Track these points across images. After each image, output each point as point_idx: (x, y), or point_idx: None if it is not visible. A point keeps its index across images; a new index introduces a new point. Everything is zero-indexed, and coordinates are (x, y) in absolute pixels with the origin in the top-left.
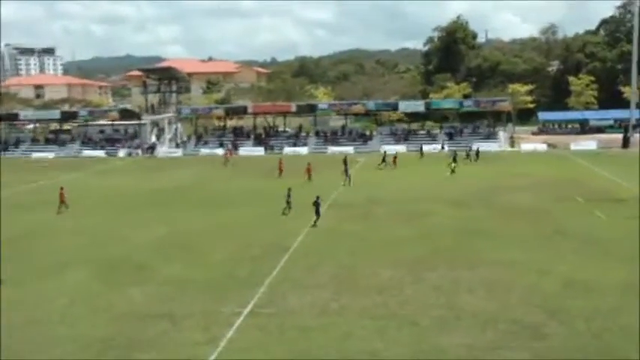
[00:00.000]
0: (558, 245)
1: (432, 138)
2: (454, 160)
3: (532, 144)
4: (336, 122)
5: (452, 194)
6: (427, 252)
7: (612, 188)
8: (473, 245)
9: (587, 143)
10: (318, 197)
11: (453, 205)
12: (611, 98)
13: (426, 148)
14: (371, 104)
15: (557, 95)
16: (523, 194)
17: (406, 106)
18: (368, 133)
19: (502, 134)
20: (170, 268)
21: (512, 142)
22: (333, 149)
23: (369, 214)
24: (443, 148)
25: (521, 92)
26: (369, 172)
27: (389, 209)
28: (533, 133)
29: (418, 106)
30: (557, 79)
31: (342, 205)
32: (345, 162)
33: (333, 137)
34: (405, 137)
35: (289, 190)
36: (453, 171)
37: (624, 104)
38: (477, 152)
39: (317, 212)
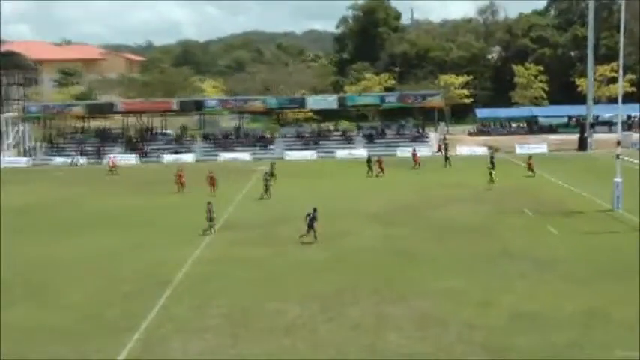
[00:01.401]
0: (504, 269)
1: (347, 141)
2: (492, 164)
3: (469, 147)
4: (228, 123)
5: (375, 208)
6: (345, 281)
7: (567, 198)
8: (401, 271)
9: (537, 145)
10: (315, 210)
11: (376, 221)
12: (563, 91)
13: (340, 153)
14: (272, 100)
15: (499, 88)
16: (460, 208)
17: (315, 102)
18: (268, 135)
19: (433, 136)
20: (12, 312)
21: (445, 145)
22: (225, 156)
23: (274, 236)
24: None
25: (455, 84)
26: (275, 184)
27: (298, 227)
28: (471, 134)
29: (330, 102)
30: (498, 69)
31: (240, 225)
32: (270, 173)
33: (224, 141)
34: (314, 141)
35: (209, 205)
36: (492, 180)
37: (579, 99)
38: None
39: (310, 226)
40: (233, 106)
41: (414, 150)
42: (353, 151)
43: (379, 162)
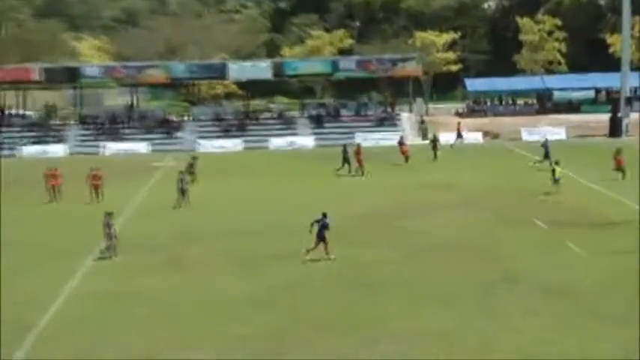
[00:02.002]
0: (507, 301)
1: (286, 125)
2: (555, 162)
3: (456, 133)
4: (115, 100)
5: (333, 220)
6: (286, 321)
7: (595, 204)
8: (367, 307)
9: (551, 130)
10: (324, 215)
11: (333, 238)
12: (589, 54)
13: (276, 142)
14: (178, 68)
15: (498, 51)
16: (448, 217)
17: (241, 70)
18: (174, 118)
19: (407, 117)
20: None
21: (424, 129)
22: (112, 147)
23: (184, 260)
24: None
25: (437, 45)
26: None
27: (217, 248)
28: (460, 114)
29: (262, 70)
30: (497, 24)
31: (136, 246)
32: (189, 171)
33: (111, 127)
34: (239, 125)
35: (108, 215)
36: (556, 181)
37: (611, 64)
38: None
39: (321, 237)
40: (123, 77)
41: (402, 139)
42: (294, 139)
43: (357, 153)
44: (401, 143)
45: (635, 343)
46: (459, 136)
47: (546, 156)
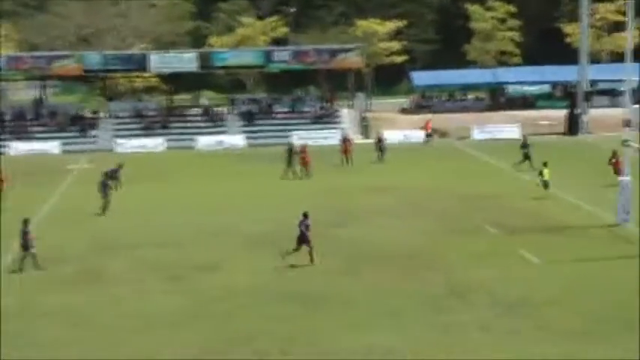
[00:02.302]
0: (454, 317)
1: (213, 122)
2: (543, 163)
3: (402, 131)
4: (19, 95)
5: (262, 227)
6: (212, 341)
7: (550, 208)
8: (299, 323)
9: (504, 128)
10: (305, 216)
11: (263, 247)
12: (545, 45)
13: (204, 141)
14: (93, 58)
15: (446, 40)
16: (390, 224)
17: (163, 61)
18: (89, 114)
19: (347, 113)
20: None
21: (365, 127)
22: (18, 147)
23: (101, 273)
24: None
25: (380, 35)
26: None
27: (138, 258)
28: (405, 111)
29: (186, 61)
30: (445, 11)
31: (47, 259)
32: (112, 176)
33: (17, 124)
34: (162, 123)
35: (26, 224)
36: (546, 184)
37: (569, 56)
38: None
39: (303, 240)
40: (30, 68)
41: (346, 136)
42: (223, 138)
43: (302, 151)
44: (345, 140)
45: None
46: (429, 135)
47: (526, 157)
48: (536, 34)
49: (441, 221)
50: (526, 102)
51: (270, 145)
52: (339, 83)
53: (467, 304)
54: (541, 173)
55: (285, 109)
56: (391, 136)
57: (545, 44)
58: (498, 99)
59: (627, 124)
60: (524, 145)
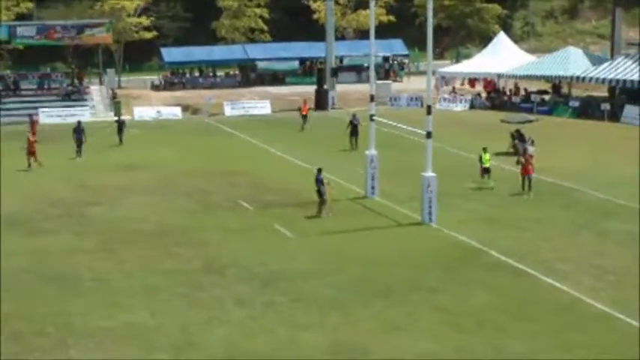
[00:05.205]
0: (214, 292)
1: None
2: (483, 148)
3: (153, 107)
4: None
5: (11, 207)
6: None
7: (303, 184)
8: (55, 304)
9: (256, 104)
10: (319, 171)
11: (14, 227)
12: (293, 22)
13: None
14: None
15: (197, 17)
16: (146, 202)
17: None
18: None
19: (97, 90)
20: None
21: (116, 104)
22: None
23: None
24: None
25: (128, 11)
26: None
27: None
28: (156, 87)
29: None
30: None
31: None
32: None
33: None
34: None
35: None
36: (487, 170)
37: (317, 33)
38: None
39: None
40: None
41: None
42: None
43: (32, 134)
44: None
45: (349, 331)
46: (304, 116)
47: (521, 139)
48: (284, 11)
49: (196, 198)
50: (276, 78)
51: (17, 123)
52: (88, 60)
53: (223, 279)
54: (480, 159)
55: (33, 86)
56: (144, 112)
57: (294, 21)
58: (249, 75)
59: (372, 99)
60: (518, 134)
